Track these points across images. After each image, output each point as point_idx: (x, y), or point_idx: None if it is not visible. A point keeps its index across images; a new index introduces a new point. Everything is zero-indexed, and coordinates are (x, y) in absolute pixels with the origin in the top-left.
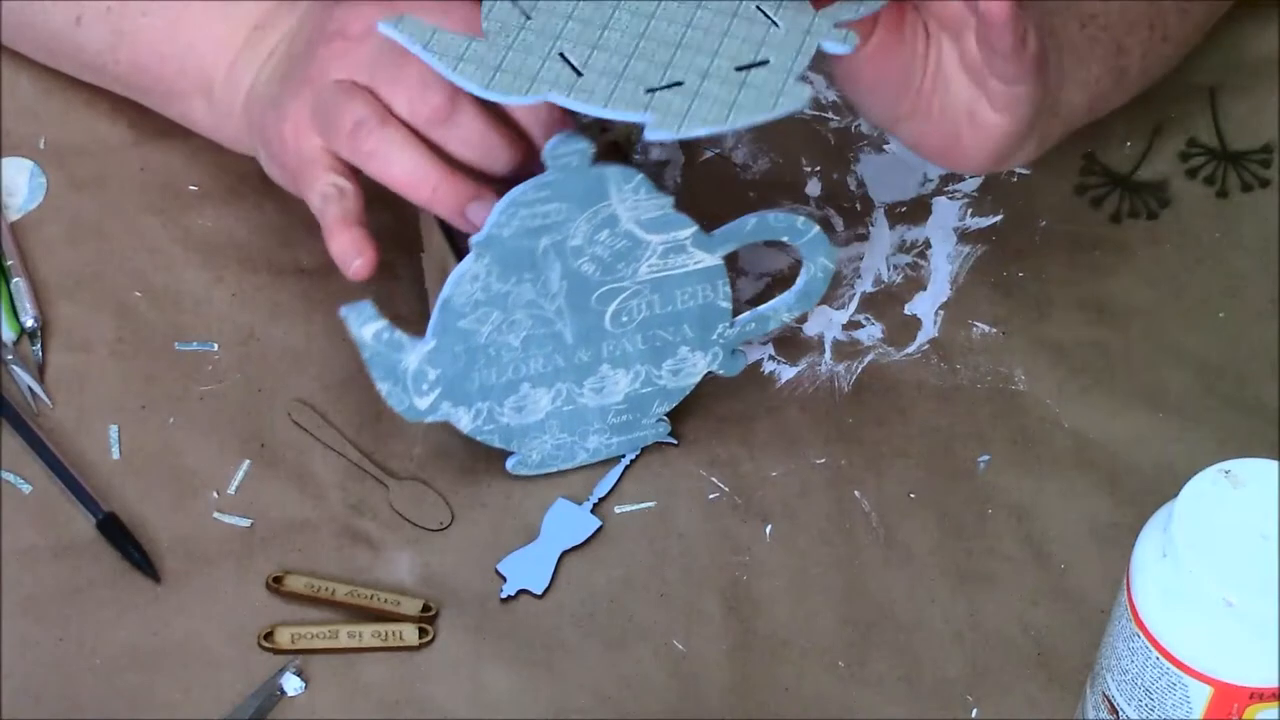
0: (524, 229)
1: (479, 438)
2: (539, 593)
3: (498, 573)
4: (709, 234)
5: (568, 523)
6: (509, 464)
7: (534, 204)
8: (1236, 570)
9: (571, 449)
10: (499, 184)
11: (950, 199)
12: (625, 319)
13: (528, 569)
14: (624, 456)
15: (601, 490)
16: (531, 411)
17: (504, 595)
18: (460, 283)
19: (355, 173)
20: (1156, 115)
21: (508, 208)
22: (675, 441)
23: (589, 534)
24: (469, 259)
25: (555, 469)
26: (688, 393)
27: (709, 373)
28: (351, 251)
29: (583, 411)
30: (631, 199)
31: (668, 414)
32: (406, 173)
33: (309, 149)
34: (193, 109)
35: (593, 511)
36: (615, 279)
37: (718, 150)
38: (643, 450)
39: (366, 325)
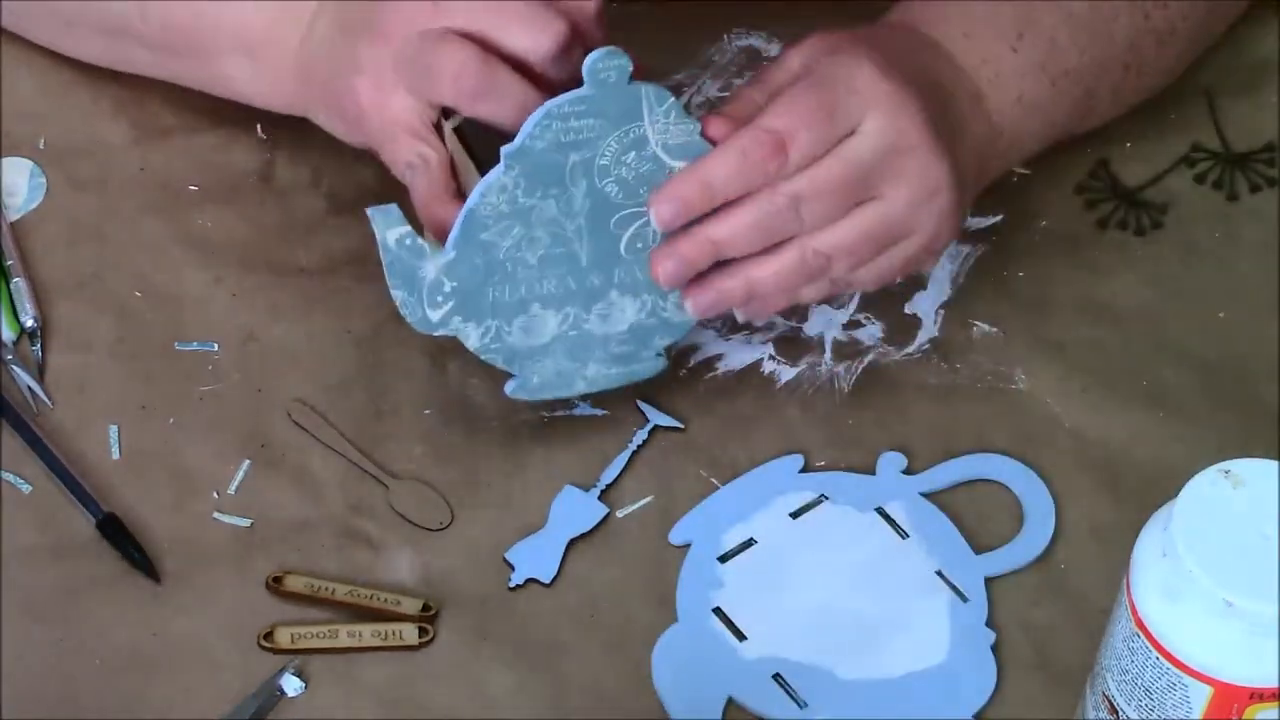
0: (556, 143)
1: (484, 356)
2: (547, 581)
3: (505, 561)
4: None
5: (574, 510)
6: (508, 387)
7: (569, 118)
8: (1236, 570)
9: (571, 377)
10: None
11: None
12: (640, 245)
13: (535, 557)
14: (629, 446)
15: (608, 477)
16: (538, 334)
17: (512, 584)
18: (488, 193)
19: (439, 133)
20: (1157, 117)
21: (543, 119)
22: (682, 426)
23: (596, 521)
24: (499, 169)
25: (553, 396)
26: (690, 328)
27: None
28: (443, 231)
29: (587, 338)
30: (662, 121)
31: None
32: (518, 106)
33: (393, 108)
34: (231, 68)
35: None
36: (636, 203)
37: None
38: (643, 450)
39: (391, 229)
